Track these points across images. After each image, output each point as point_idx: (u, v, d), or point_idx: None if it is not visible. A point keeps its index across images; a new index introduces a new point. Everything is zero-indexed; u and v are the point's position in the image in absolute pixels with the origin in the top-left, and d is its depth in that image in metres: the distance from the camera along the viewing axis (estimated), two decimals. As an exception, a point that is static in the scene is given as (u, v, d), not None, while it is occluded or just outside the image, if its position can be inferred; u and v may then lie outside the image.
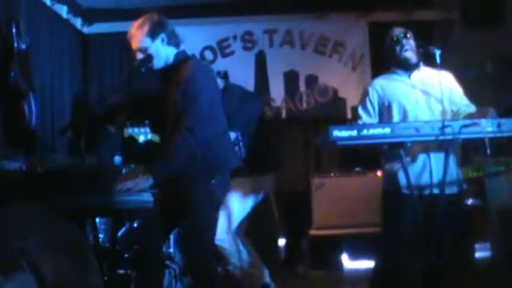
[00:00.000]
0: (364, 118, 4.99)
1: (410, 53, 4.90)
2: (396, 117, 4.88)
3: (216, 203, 4.66)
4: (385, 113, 4.96)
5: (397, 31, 4.94)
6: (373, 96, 5.01)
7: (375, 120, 4.97)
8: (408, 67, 4.94)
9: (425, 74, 4.95)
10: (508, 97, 6.88)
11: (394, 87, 4.96)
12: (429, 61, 4.89)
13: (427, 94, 4.87)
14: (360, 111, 5.04)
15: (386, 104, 4.95)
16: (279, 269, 7.83)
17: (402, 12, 8.63)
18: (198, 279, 4.57)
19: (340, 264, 7.59)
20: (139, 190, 4.45)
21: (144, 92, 5.71)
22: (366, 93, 5.06)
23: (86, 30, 9.12)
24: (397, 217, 4.84)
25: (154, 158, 4.59)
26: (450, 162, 4.67)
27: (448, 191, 4.68)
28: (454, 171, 4.76)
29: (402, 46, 4.89)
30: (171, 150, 4.48)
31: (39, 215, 4.22)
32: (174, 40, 4.73)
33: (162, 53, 4.69)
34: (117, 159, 6.84)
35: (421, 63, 4.96)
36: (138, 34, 4.65)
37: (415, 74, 4.96)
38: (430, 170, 4.71)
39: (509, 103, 6.65)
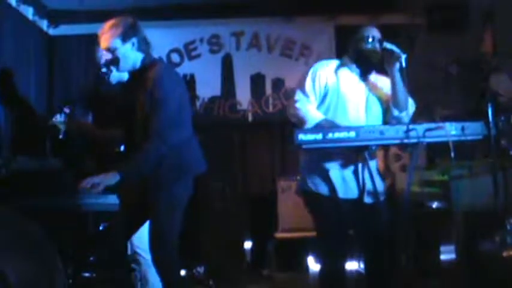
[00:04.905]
0: (311, 98, 4.81)
1: (374, 56, 4.84)
2: (332, 114, 4.83)
3: (179, 206, 4.65)
4: (324, 103, 4.90)
5: (373, 32, 4.85)
6: (322, 81, 4.85)
7: (317, 104, 4.87)
8: (366, 68, 4.91)
9: (380, 84, 4.94)
10: (471, 100, 6.93)
11: (342, 83, 4.86)
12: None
13: (369, 101, 4.87)
14: (310, 87, 4.84)
15: (328, 95, 4.88)
16: (245, 272, 7.84)
17: (368, 16, 8.66)
18: (163, 280, 4.56)
19: (306, 266, 7.59)
20: (106, 186, 4.43)
21: (110, 94, 5.67)
22: (316, 73, 4.90)
23: (52, 31, 9.07)
24: (328, 219, 4.86)
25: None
26: (373, 170, 4.74)
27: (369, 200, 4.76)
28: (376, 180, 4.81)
29: (374, 46, 4.82)
30: (140, 155, 4.46)
31: (3, 217, 4.19)
32: (144, 47, 4.70)
33: (130, 57, 4.65)
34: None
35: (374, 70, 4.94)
36: (109, 34, 4.61)
37: (367, 76, 4.94)
38: (356, 176, 4.72)
39: (473, 106, 6.70)
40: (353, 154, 4.60)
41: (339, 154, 4.67)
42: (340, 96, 4.83)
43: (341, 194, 4.73)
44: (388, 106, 4.86)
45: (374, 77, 4.94)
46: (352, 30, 5.06)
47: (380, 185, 4.80)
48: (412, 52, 4.83)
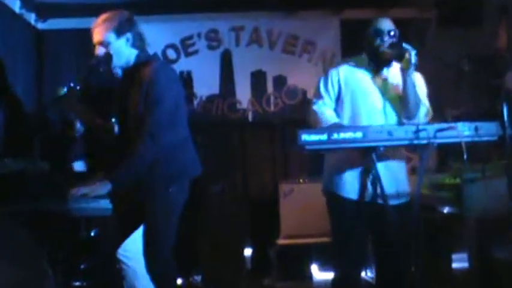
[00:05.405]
0: (326, 100, 4.89)
1: (387, 51, 4.82)
2: (348, 115, 4.87)
3: (174, 210, 4.65)
4: (340, 103, 4.94)
5: (384, 24, 4.84)
6: (335, 80, 4.92)
7: (333, 105, 4.93)
8: (380, 64, 4.91)
9: (393, 73, 4.93)
10: (485, 98, 6.92)
11: (358, 82, 4.90)
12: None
13: (386, 97, 4.86)
14: (322, 89, 4.94)
15: (342, 95, 4.92)
16: (245, 280, 7.83)
17: (376, 9, 8.64)
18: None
19: (310, 275, 7.59)
20: (96, 196, 4.43)
21: (102, 91, 5.66)
22: (329, 74, 4.95)
23: (40, 26, 9.04)
24: (341, 221, 4.88)
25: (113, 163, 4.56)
26: (400, 170, 4.82)
27: (396, 202, 4.75)
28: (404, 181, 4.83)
29: (382, 41, 4.82)
30: (131, 157, 4.46)
31: (-11, 222, 4.18)
32: (139, 43, 4.71)
33: (124, 53, 4.66)
34: (80, 164, 6.78)
35: (393, 61, 4.92)
36: (103, 27, 4.61)
37: (384, 72, 4.93)
38: (374, 178, 4.70)
39: (487, 105, 6.69)
40: (367, 155, 4.57)
41: (354, 154, 4.66)
42: (356, 96, 4.86)
43: (355, 196, 4.73)
44: (399, 108, 4.86)
45: (395, 71, 4.92)
46: (359, 25, 5.07)
47: (393, 188, 4.77)
48: (421, 48, 4.79)
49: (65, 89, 4.85)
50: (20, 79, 8.21)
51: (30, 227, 4.35)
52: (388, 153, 4.67)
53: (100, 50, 4.64)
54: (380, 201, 4.66)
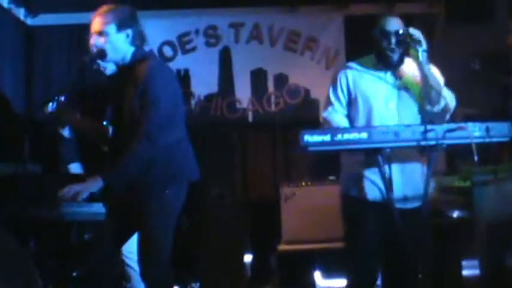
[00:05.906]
0: (336, 106, 4.92)
1: (395, 52, 4.81)
2: (362, 118, 4.87)
3: (171, 214, 4.62)
4: (352, 107, 4.94)
5: (391, 25, 4.82)
6: (343, 84, 4.93)
7: (345, 111, 4.94)
8: (389, 65, 4.89)
9: (407, 69, 4.92)
10: (496, 97, 6.90)
11: (367, 83, 4.90)
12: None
13: (400, 96, 4.85)
14: (332, 95, 4.96)
15: (353, 98, 4.92)
16: (245, 288, 7.83)
17: (382, 4, 8.63)
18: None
19: (313, 282, 7.57)
20: (90, 194, 4.40)
21: (95, 89, 5.65)
22: (337, 79, 4.97)
23: (30, 21, 9.01)
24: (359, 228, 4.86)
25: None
26: (416, 173, 4.76)
27: (411, 205, 4.73)
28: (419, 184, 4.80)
29: (389, 43, 4.81)
30: (126, 156, 4.45)
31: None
32: (138, 42, 4.70)
33: (121, 48, 4.64)
34: (76, 166, 6.76)
35: (405, 58, 4.90)
36: (105, 17, 4.58)
37: (396, 71, 4.92)
38: (390, 180, 4.68)
39: (498, 103, 6.67)
40: (372, 157, 4.56)
41: (362, 155, 4.66)
42: (367, 99, 4.86)
43: (365, 196, 4.74)
44: (421, 100, 4.84)
45: (408, 64, 4.91)
46: (364, 21, 5.06)
47: (407, 191, 4.75)
48: (429, 45, 4.76)
49: (53, 106, 4.83)
50: (9, 78, 8.19)
51: (19, 233, 4.34)
52: (403, 154, 4.66)
53: (96, 40, 4.61)
54: (390, 203, 4.65)
